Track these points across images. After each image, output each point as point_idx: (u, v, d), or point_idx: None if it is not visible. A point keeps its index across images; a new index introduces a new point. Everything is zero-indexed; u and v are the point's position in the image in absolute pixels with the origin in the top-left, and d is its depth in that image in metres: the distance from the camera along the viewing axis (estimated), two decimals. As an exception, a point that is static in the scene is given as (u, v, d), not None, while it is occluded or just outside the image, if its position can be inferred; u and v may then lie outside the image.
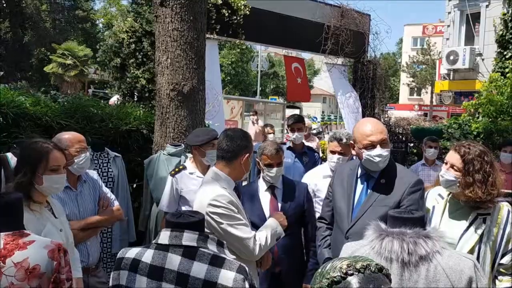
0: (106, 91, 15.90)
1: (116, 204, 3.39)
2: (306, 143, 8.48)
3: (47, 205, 2.52)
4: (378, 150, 2.60)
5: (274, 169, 3.27)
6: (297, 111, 20.99)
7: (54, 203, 2.63)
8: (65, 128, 4.31)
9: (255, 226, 3.25)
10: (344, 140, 3.93)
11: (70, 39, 34.57)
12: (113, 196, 3.43)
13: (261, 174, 3.40)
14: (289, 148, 5.06)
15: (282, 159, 3.36)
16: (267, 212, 3.27)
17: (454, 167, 2.57)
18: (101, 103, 5.44)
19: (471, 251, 2.48)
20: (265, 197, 3.34)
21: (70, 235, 2.63)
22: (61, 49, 30.15)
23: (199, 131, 3.89)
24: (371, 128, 2.65)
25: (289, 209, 3.26)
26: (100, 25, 41.42)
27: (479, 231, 2.53)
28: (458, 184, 2.55)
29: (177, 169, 3.76)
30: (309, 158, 5.05)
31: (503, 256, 2.53)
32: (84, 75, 31.37)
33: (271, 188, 3.35)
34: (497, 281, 2.53)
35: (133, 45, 7.47)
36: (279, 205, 3.30)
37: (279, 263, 3.23)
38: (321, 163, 5.06)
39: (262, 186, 3.39)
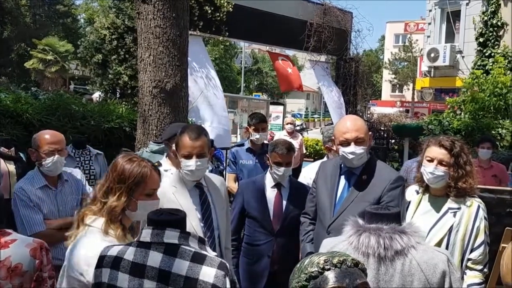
0: (88, 88, 15.72)
1: None
2: (289, 140, 8.58)
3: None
4: (351, 148, 2.65)
5: (282, 169, 3.24)
6: (281, 108, 20.99)
7: None
8: (46, 125, 4.28)
9: (257, 221, 3.26)
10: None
11: (51, 34, 33.97)
12: None
13: (269, 170, 3.38)
14: (248, 150, 4.74)
15: (292, 159, 3.32)
16: (271, 209, 3.27)
17: (443, 162, 2.64)
18: (83, 100, 5.41)
19: (438, 244, 2.56)
20: (271, 194, 3.32)
21: None
22: (41, 44, 29.64)
23: (170, 126, 3.75)
24: (347, 126, 2.70)
25: (293, 210, 3.26)
26: (82, 20, 40.83)
27: (448, 225, 2.62)
28: (448, 179, 2.62)
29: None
30: None
31: (472, 251, 2.60)
32: (65, 71, 30.90)
33: (278, 185, 3.33)
34: (464, 276, 2.59)
35: (115, 41, 7.40)
36: (284, 203, 3.29)
37: (277, 261, 3.22)
38: None
39: (269, 182, 3.36)
